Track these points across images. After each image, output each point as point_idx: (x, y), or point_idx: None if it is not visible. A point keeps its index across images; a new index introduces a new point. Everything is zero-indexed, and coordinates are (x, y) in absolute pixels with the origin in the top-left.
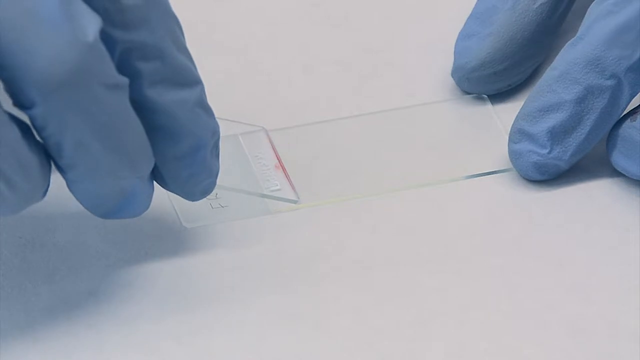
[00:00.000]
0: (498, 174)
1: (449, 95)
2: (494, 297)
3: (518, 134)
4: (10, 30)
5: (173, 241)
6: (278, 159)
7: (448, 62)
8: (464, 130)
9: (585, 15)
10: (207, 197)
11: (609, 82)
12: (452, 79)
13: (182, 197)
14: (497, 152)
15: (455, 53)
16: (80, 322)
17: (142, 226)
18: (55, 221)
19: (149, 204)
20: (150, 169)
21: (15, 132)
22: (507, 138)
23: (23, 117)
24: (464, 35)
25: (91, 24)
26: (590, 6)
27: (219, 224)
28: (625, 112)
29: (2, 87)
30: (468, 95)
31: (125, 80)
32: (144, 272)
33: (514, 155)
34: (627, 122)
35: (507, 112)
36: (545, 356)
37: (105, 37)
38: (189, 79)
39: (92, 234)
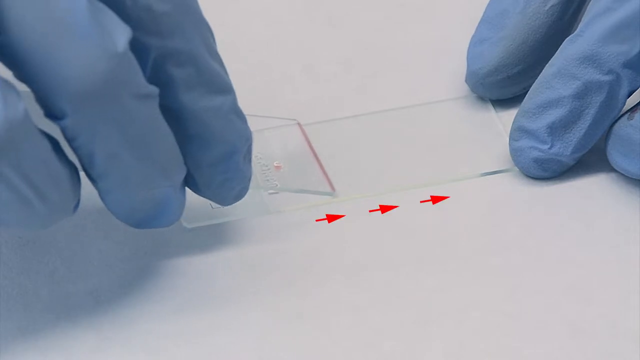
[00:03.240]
0: (498, 174)
1: (449, 95)
2: (494, 297)
3: (518, 131)
4: (41, 42)
5: (173, 241)
6: (313, 152)
7: (448, 62)
8: (464, 131)
9: (585, 12)
10: None
11: (607, 78)
12: (452, 79)
13: (215, 202)
14: (498, 152)
15: (468, 59)
16: (80, 322)
17: None
18: None
19: (182, 212)
20: (182, 177)
21: (46, 145)
22: (507, 137)
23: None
24: (476, 41)
25: (121, 35)
26: (590, 3)
27: (219, 224)
28: (623, 111)
29: (33, 98)
30: (468, 96)
31: (155, 89)
32: (144, 272)
33: (515, 152)
34: (625, 121)
35: (508, 112)
36: (545, 356)
37: (139, 44)
38: (222, 86)
39: (92, 234)
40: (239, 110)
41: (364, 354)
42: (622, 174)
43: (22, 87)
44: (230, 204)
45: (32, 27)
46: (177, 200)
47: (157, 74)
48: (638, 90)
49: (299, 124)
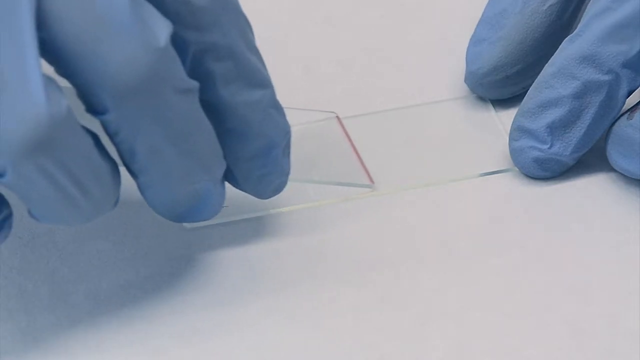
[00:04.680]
0: (498, 174)
1: (449, 95)
2: (494, 297)
3: (518, 131)
4: (82, 37)
5: (173, 241)
6: (352, 145)
7: (448, 62)
8: (464, 131)
9: (584, 12)
10: None
11: (606, 77)
12: (452, 79)
13: (254, 195)
14: (497, 152)
15: (467, 59)
16: (80, 322)
17: (142, 226)
18: None
19: (222, 206)
20: (222, 172)
21: (88, 141)
22: (507, 137)
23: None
24: (475, 41)
25: (162, 29)
26: (589, 3)
27: (219, 224)
28: (623, 111)
29: (75, 94)
30: (467, 96)
31: (195, 84)
32: (144, 272)
33: (514, 152)
34: (624, 121)
35: (507, 112)
36: (545, 356)
37: (178, 39)
38: (261, 80)
39: (92, 234)
40: (278, 104)
41: (364, 354)
42: (622, 174)
43: (63, 82)
44: (269, 197)
45: (73, 22)
46: (216, 194)
47: (196, 69)
48: (638, 90)
49: (337, 116)
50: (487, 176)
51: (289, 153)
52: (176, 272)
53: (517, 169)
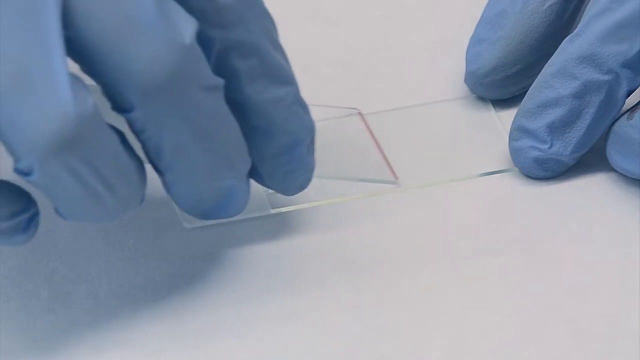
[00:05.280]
0: (498, 174)
1: (449, 95)
2: (494, 297)
3: (518, 131)
4: (108, 35)
5: (173, 241)
6: (375, 141)
7: (448, 62)
8: (464, 131)
9: (584, 12)
10: None
11: (606, 77)
12: (452, 79)
13: (278, 192)
14: (497, 152)
15: (467, 59)
16: (80, 322)
17: (142, 226)
18: (55, 221)
19: (247, 203)
20: (248, 168)
21: (114, 139)
22: (507, 137)
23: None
24: (475, 41)
25: (187, 27)
26: (589, 3)
27: (218, 224)
28: (623, 111)
29: (101, 92)
30: (467, 96)
31: (221, 81)
32: (144, 272)
33: (514, 152)
34: (624, 121)
35: (507, 112)
36: (545, 356)
37: (203, 37)
38: (285, 77)
39: (92, 234)
40: (302, 101)
41: (364, 354)
42: (622, 174)
43: (88, 80)
44: (294, 194)
45: (99, 20)
46: (242, 192)
47: (221, 66)
48: (638, 90)
49: (360, 113)
50: (487, 176)
51: (313, 150)
52: (176, 272)
53: (517, 169)
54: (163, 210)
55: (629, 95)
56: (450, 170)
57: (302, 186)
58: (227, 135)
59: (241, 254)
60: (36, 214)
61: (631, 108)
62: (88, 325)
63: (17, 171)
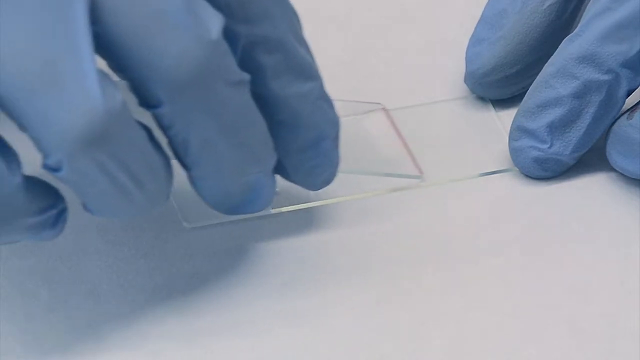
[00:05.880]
0: (498, 174)
1: (449, 95)
2: (494, 297)
3: (518, 131)
4: (136, 31)
5: (173, 241)
6: (400, 136)
7: (448, 62)
8: (464, 131)
9: (584, 12)
10: None
11: (606, 77)
12: (452, 79)
13: (303, 187)
14: (497, 152)
15: (467, 59)
16: (80, 322)
17: (142, 226)
18: None
19: (272, 198)
20: (274, 163)
21: (142, 134)
22: (507, 137)
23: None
24: (475, 41)
25: (214, 22)
26: (589, 2)
27: (218, 224)
28: (622, 110)
29: (128, 88)
30: (467, 96)
31: (247, 76)
32: (144, 272)
33: (514, 152)
34: (624, 120)
35: (507, 112)
36: (545, 356)
37: (228, 32)
38: (310, 72)
39: (92, 234)
40: (327, 95)
41: (364, 354)
42: (622, 174)
43: (113, 77)
44: (318, 189)
45: (127, 16)
46: (268, 186)
47: (246, 62)
48: (637, 89)
49: (384, 108)
50: (487, 176)
51: (338, 144)
52: (176, 272)
53: (517, 169)
54: (163, 210)
55: (628, 95)
56: (450, 170)
57: (327, 181)
58: (253, 130)
59: (241, 254)
60: (64, 210)
61: (631, 108)
62: (88, 325)
63: (46, 167)
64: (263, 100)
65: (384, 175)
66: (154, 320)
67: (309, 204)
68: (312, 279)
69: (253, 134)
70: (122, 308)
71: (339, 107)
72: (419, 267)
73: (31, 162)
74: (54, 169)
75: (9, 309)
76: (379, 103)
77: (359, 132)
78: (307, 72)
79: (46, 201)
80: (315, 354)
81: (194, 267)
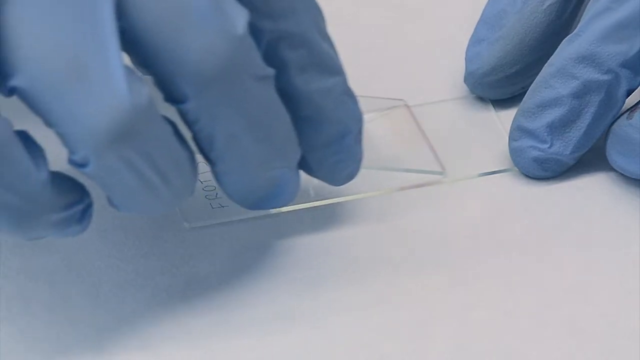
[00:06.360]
0: (498, 174)
1: (449, 95)
2: (494, 297)
3: (518, 131)
4: (162, 27)
5: (173, 241)
6: (422, 132)
7: (448, 62)
8: (463, 131)
9: (584, 12)
10: (208, 196)
11: (606, 77)
12: (452, 79)
13: (327, 182)
14: (497, 152)
15: (467, 59)
16: (80, 322)
17: (142, 226)
18: None
19: (297, 193)
20: (298, 158)
21: (168, 130)
22: (507, 137)
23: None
24: (474, 41)
25: (240, 17)
26: (589, 2)
27: (218, 224)
28: (622, 110)
29: (153, 83)
30: (467, 96)
31: (272, 71)
32: (144, 272)
33: (514, 152)
34: (624, 120)
35: (507, 112)
36: (545, 356)
37: (252, 27)
38: (334, 67)
39: (92, 234)
40: (350, 91)
41: (364, 354)
42: (622, 174)
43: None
44: (342, 184)
45: (153, 12)
46: (292, 181)
47: (270, 57)
48: (637, 89)
49: (406, 104)
50: (487, 176)
51: (361, 140)
52: (176, 272)
53: (517, 169)
54: None
55: (628, 95)
56: (450, 170)
57: (350, 176)
58: (278, 125)
59: (241, 254)
60: (90, 205)
61: (631, 108)
62: (88, 325)
63: (72, 163)
64: (287, 95)
65: (406, 171)
66: (154, 320)
67: (308, 204)
68: (312, 279)
69: (278, 128)
70: (122, 308)
71: (362, 103)
72: (418, 267)
73: (57, 157)
74: (80, 165)
75: (9, 309)
76: (401, 99)
77: (381, 128)
78: (331, 67)
79: (72, 197)
80: (315, 354)
81: (194, 267)
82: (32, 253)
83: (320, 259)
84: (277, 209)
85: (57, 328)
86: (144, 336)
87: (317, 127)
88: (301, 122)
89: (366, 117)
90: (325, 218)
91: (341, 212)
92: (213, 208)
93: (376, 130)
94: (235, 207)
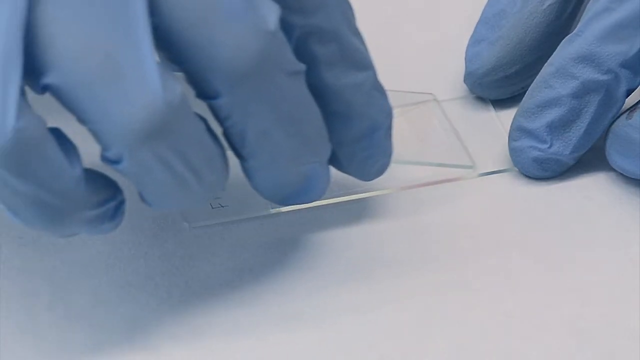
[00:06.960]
0: (498, 174)
1: (449, 95)
2: (494, 297)
3: (517, 131)
4: (194, 23)
5: (173, 241)
6: (452, 126)
7: (448, 62)
8: (463, 131)
9: (584, 12)
10: None
11: (605, 77)
12: (452, 79)
13: (357, 177)
14: (497, 152)
15: (466, 59)
16: (80, 322)
17: (142, 226)
18: None
19: (327, 188)
20: (329, 153)
21: (201, 126)
22: (507, 137)
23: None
24: (474, 41)
25: (271, 13)
26: (589, 2)
27: (219, 224)
28: (622, 110)
29: (185, 80)
30: (467, 96)
31: (303, 66)
32: (144, 272)
33: (514, 152)
34: (623, 120)
35: (507, 112)
36: (545, 356)
37: (283, 23)
38: (364, 62)
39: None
40: (380, 85)
41: (364, 354)
42: (622, 174)
43: None
44: (372, 179)
45: (186, 8)
46: (323, 176)
47: (300, 52)
48: (637, 89)
49: (435, 99)
50: (487, 176)
51: (391, 134)
52: (176, 272)
53: (517, 169)
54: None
55: (628, 95)
56: (450, 170)
57: (380, 171)
58: (309, 120)
59: (241, 254)
60: (122, 202)
61: (630, 108)
62: (88, 325)
63: (105, 159)
64: (317, 90)
65: (437, 166)
66: (154, 320)
67: (306, 204)
68: (312, 279)
69: (309, 123)
70: (122, 308)
71: (391, 98)
72: (419, 267)
73: (90, 154)
74: (113, 162)
75: (10, 308)
76: (430, 93)
77: (411, 123)
78: (361, 62)
79: (105, 194)
80: (316, 354)
81: (194, 267)
82: (33, 253)
83: (320, 259)
84: (277, 209)
85: (58, 328)
86: (144, 336)
87: (347, 123)
88: (331, 117)
89: (395, 111)
90: (325, 218)
91: (340, 212)
92: (213, 208)
93: (405, 124)
94: (235, 207)
